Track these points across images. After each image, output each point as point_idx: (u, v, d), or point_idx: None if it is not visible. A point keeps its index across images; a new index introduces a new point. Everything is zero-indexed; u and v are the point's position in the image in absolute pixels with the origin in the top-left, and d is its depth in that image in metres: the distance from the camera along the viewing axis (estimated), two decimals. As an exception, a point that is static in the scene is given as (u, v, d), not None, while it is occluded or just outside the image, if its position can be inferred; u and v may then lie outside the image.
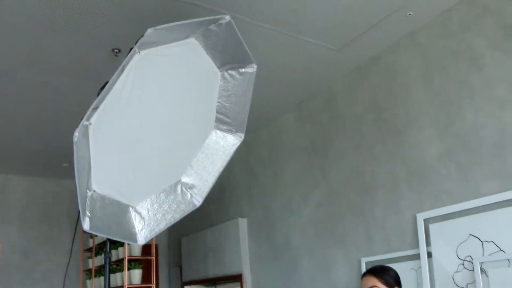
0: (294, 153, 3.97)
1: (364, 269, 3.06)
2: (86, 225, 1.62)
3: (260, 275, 4.18)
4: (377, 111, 3.21)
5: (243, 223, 4.44)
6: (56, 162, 5.03)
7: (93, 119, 1.71)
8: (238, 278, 4.33)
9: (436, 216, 2.71)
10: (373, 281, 2.02)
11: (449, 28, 2.76)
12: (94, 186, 1.64)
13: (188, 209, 2.05)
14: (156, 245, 4.20)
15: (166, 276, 6.07)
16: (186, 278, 5.40)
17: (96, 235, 4.86)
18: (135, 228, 1.97)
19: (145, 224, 1.95)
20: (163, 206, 1.97)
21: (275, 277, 3.99)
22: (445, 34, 2.78)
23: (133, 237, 1.98)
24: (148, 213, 1.95)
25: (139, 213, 1.93)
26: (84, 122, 1.63)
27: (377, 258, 2.99)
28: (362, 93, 3.35)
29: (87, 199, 1.59)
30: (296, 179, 3.90)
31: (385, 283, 2.01)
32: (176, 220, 1.99)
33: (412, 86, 2.96)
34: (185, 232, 5.60)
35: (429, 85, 2.86)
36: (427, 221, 2.76)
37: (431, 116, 2.83)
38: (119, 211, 1.86)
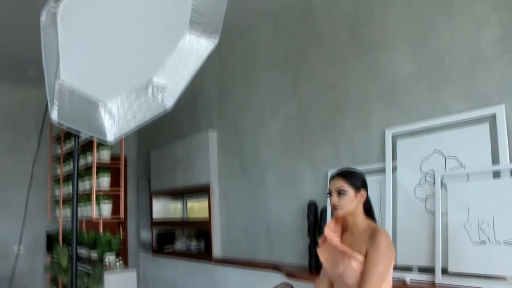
0: (267, 67, 3.90)
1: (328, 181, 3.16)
2: (55, 116, 1.56)
3: (228, 187, 4.28)
4: (354, 26, 3.13)
5: (213, 135, 4.44)
6: (22, 68, 4.81)
7: (61, 7, 1.59)
8: (206, 189, 4.41)
9: (404, 133, 2.76)
10: (341, 182, 2.02)
11: None
12: (63, 76, 1.56)
13: (159, 111, 1.99)
14: (125, 155, 4.18)
15: (134, 189, 6.14)
16: (154, 189, 5.47)
17: (64, 144, 4.80)
18: (104, 126, 1.91)
19: (115, 122, 1.89)
20: (133, 106, 1.90)
21: (242, 189, 4.09)
22: None
23: (103, 134, 1.93)
24: (118, 111, 1.88)
25: (109, 111, 1.87)
26: (51, 8, 1.52)
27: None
28: (340, 7, 3.24)
29: (56, 90, 1.52)
30: (268, 93, 3.87)
31: (352, 184, 2.00)
32: (146, 121, 1.94)
33: (392, 3, 2.89)
34: (154, 145, 5.60)
35: (409, 2, 2.79)
36: (395, 137, 2.82)
37: (408, 34, 2.79)
38: (88, 107, 1.79)
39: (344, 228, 2.10)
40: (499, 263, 2.18)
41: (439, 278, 2.37)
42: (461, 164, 2.47)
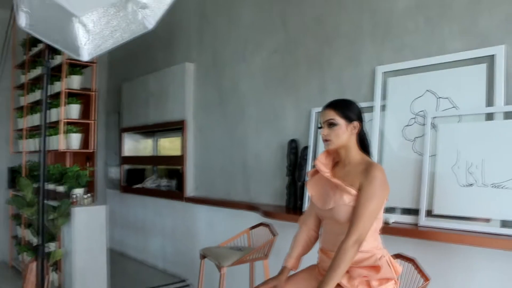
0: (252, -4, 3.63)
1: (314, 119, 3.04)
2: (22, 21, 1.33)
3: (204, 121, 4.09)
4: (350, -47, 2.90)
5: (190, 68, 4.19)
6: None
7: None
8: (180, 124, 4.23)
9: (397, 70, 2.64)
10: (331, 114, 1.88)
11: None
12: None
13: (139, 31, 1.76)
14: (96, 88, 3.91)
15: (103, 124, 5.86)
16: (124, 124, 5.23)
17: (28, 71, 4.46)
18: (78, 41, 1.69)
19: (90, 38, 1.67)
20: (112, 22, 1.67)
21: (219, 124, 3.92)
22: None
23: (76, 50, 1.70)
24: (94, 26, 1.65)
25: (84, 25, 1.63)
26: None
27: (329, 110, 2.94)
28: None
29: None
30: (253, 24, 3.63)
31: (344, 116, 1.87)
32: (125, 40, 1.71)
33: None
34: (126, 78, 5.29)
35: None
36: (386, 75, 2.69)
37: (409, -38, 2.59)
38: (61, 17, 1.57)
39: (336, 162, 2.00)
40: (484, 205, 2.16)
41: (422, 219, 2.34)
42: (454, 106, 2.38)
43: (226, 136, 3.85)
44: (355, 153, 1.91)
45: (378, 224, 1.86)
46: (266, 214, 3.04)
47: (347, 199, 1.80)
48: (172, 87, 4.36)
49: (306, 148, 3.03)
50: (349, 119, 1.88)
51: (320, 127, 1.94)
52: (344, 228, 1.79)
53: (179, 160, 4.26)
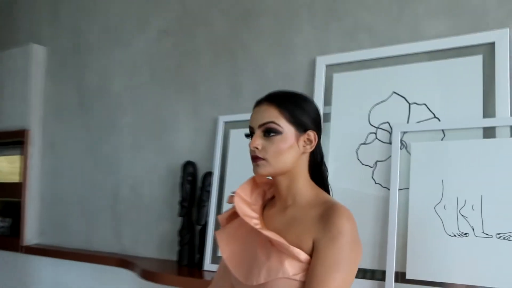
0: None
1: (221, 132, 2.13)
2: None
3: (57, 133, 2.95)
4: None
5: (38, 52, 3.03)
6: None
7: None
8: (19, 135, 3.02)
9: (347, 63, 1.87)
10: (271, 114, 1.15)
11: None
12: None
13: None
14: None
15: None
16: None
17: None
18: None
19: None
20: None
21: (79, 136, 2.81)
22: None
23: None
24: None
25: None
26: None
27: (244, 117, 2.08)
28: None
29: None
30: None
31: (294, 121, 1.15)
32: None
33: None
34: None
35: None
36: (331, 69, 1.91)
37: None
38: None
39: (271, 201, 1.29)
40: (487, 266, 1.43)
41: (390, 287, 1.56)
42: (435, 116, 1.67)
43: (89, 155, 2.74)
44: (306, 186, 1.21)
45: None
46: (146, 274, 2.05)
47: (292, 269, 1.08)
48: (9, 80, 3.15)
49: (209, 174, 2.13)
50: (301, 126, 1.17)
51: (249, 136, 1.22)
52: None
53: (16, 189, 3.02)
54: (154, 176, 2.42)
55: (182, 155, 2.28)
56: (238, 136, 2.07)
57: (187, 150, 2.29)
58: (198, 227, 2.11)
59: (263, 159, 1.14)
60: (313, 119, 1.17)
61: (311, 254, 1.07)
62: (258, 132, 1.15)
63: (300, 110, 1.15)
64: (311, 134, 1.15)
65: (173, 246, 2.22)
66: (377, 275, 1.63)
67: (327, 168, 1.26)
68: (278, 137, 1.12)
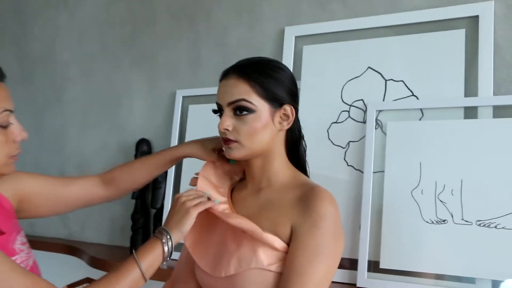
0: None
1: (179, 108, 1.93)
2: None
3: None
4: None
5: (-27, 18, 2.66)
6: None
7: None
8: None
9: (318, 35, 1.71)
10: (242, 89, 0.98)
11: None
12: None
13: None
14: None
15: None
16: None
17: None
18: None
19: None
20: None
21: (20, 110, 2.47)
22: None
23: None
24: None
25: None
26: None
27: (204, 91, 1.88)
28: None
29: None
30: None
31: (268, 96, 0.99)
32: None
33: None
34: None
35: None
36: (300, 40, 1.76)
37: None
38: None
39: (240, 183, 1.15)
40: (467, 256, 1.33)
41: (363, 277, 1.45)
42: (413, 94, 1.54)
43: (31, 131, 2.41)
44: (283, 166, 1.08)
45: None
46: (95, 262, 1.85)
47: (266, 259, 0.95)
48: None
49: (166, 153, 1.90)
50: (276, 101, 1.01)
51: (217, 112, 1.06)
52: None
53: None
54: (104, 154, 2.18)
55: (136, 132, 2.07)
56: (197, 112, 1.88)
57: (141, 127, 2.08)
58: (153, 211, 1.94)
59: (236, 141, 0.99)
60: (289, 90, 1.02)
61: (288, 242, 0.95)
62: (228, 111, 0.99)
63: (273, 81, 0.99)
64: (288, 108, 1.01)
65: (125, 232, 2.02)
66: (348, 264, 1.51)
67: (305, 143, 1.12)
68: (250, 116, 0.98)
